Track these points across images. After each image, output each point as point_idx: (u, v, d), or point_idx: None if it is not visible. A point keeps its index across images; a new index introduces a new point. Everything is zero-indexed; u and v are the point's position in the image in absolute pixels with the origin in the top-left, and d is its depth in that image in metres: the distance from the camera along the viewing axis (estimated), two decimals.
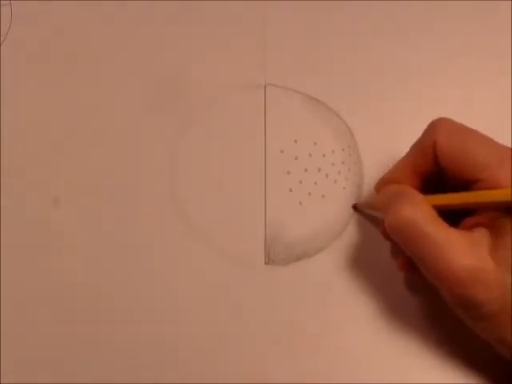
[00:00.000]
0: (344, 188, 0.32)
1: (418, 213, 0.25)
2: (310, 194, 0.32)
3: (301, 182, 0.32)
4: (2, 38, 0.35)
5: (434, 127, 0.27)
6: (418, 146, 0.28)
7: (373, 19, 0.35)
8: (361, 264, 0.31)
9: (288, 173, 0.33)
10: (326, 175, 0.33)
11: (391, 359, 0.30)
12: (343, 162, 0.33)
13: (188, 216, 0.32)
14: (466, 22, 0.35)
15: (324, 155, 0.33)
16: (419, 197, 0.26)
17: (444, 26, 0.35)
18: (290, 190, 0.32)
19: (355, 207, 0.32)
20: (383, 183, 0.29)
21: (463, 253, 0.24)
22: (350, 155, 0.33)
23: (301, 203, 0.32)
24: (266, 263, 0.31)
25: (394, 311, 0.30)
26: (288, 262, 0.31)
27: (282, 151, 0.33)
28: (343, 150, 0.33)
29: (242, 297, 0.31)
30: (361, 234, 0.32)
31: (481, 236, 0.25)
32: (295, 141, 0.33)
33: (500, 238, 0.25)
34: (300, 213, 0.32)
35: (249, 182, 0.32)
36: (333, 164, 0.33)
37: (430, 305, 0.30)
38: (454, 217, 0.26)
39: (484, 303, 0.24)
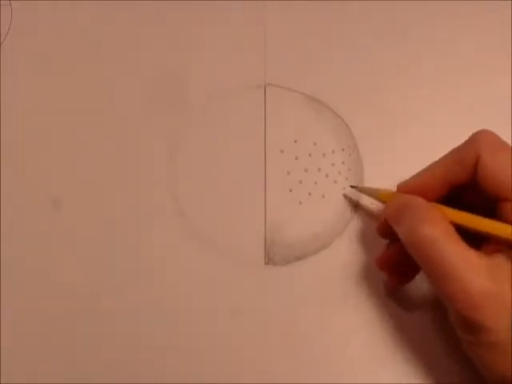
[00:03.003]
0: (344, 188, 0.32)
1: (438, 231, 0.24)
2: (309, 194, 0.32)
3: (301, 182, 0.32)
4: (2, 38, 0.35)
5: (478, 140, 0.26)
6: (457, 156, 0.27)
7: (373, 19, 0.35)
8: (361, 264, 0.31)
9: (288, 173, 0.33)
10: (326, 175, 0.33)
11: (391, 359, 0.30)
12: (343, 162, 0.33)
13: (188, 216, 0.32)
14: (466, 22, 0.35)
15: (324, 155, 0.33)
16: (438, 214, 0.26)
17: (445, 26, 0.35)
18: (290, 190, 0.32)
19: (353, 187, 0.32)
20: (407, 187, 0.28)
21: (481, 276, 0.23)
22: (349, 155, 0.33)
23: (301, 203, 0.32)
24: (266, 263, 0.31)
25: (394, 311, 0.30)
26: (288, 261, 0.31)
27: (282, 151, 0.33)
28: (343, 150, 0.33)
29: (241, 297, 0.31)
30: (361, 233, 0.32)
31: (501, 262, 0.24)
32: (295, 141, 0.33)
33: None
34: (300, 213, 0.32)
35: (249, 182, 0.32)
36: (333, 164, 0.33)
37: (430, 304, 0.30)
38: (475, 235, 0.26)
39: (492, 330, 0.23)
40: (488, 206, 0.26)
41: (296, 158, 0.33)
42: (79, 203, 0.32)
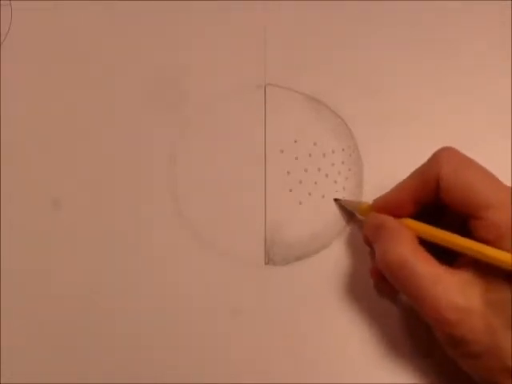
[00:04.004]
0: (344, 188, 0.32)
1: (407, 252, 0.25)
2: (310, 194, 0.32)
3: (301, 182, 0.32)
4: (2, 38, 0.35)
5: (438, 158, 0.26)
6: (419, 176, 0.27)
7: (373, 19, 0.35)
8: (361, 264, 0.31)
9: (288, 173, 0.33)
10: (326, 175, 0.33)
11: (392, 359, 0.30)
12: (343, 162, 0.33)
13: (188, 216, 0.32)
14: (466, 22, 0.35)
15: (324, 155, 0.33)
16: (408, 235, 0.26)
17: (445, 26, 0.35)
18: (290, 190, 0.32)
19: (336, 200, 0.32)
20: (379, 205, 0.29)
21: (452, 292, 0.24)
22: (350, 155, 0.33)
23: (301, 203, 0.32)
24: (265, 263, 0.31)
25: (395, 311, 0.30)
26: (288, 261, 0.31)
27: (282, 151, 0.33)
28: (343, 150, 0.33)
29: (241, 297, 0.31)
30: (361, 234, 0.32)
31: (473, 276, 0.25)
32: (295, 141, 0.33)
33: (492, 280, 0.24)
34: (300, 213, 0.32)
35: (249, 182, 0.32)
36: (333, 164, 0.33)
37: None
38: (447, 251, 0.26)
39: (470, 343, 0.24)
40: (461, 221, 0.26)
41: (296, 158, 0.33)
42: (79, 203, 0.32)
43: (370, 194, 0.32)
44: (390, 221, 0.27)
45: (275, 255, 0.31)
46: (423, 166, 0.27)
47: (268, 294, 0.31)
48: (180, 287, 0.31)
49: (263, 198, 0.32)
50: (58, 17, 0.35)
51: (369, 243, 0.29)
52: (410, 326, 0.30)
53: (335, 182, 0.32)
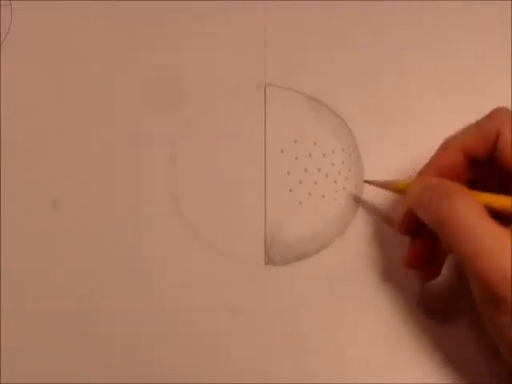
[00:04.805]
0: (344, 188, 0.32)
1: (470, 208, 0.24)
2: (310, 194, 0.32)
3: (301, 182, 0.32)
4: (2, 38, 0.35)
5: (498, 116, 0.26)
6: (476, 132, 0.27)
7: (373, 19, 0.35)
8: (361, 264, 0.31)
9: (288, 173, 0.33)
10: (326, 175, 0.33)
11: (392, 359, 0.30)
12: (343, 162, 0.33)
13: (188, 216, 0.32)
14: (466, 22, 0.35)
15: (324, 155, 0.33)
16: (468, 190, 0.25)
17: (445, 26, 0.35)
18: (290, 190, 0.32)
19: (367, 182, 0.31)
20: (430, 168, 0.28)
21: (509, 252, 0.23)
22: (350, 155, 0.33)
23: (301, 203, 0.32)
24: (265, 263, 0.31)
25: (395, 310, 0.30)
26: (288, 261, 0.31)
27: (282, 151, 0.33)
28: (343, 150, 0.33)
29: (241, 297, 0.31)
30: (361, 234, 0.32)
31: None
32: (295, 141, 0.33)
33: None
34: (300, 213, 0.32)
35: (249, 182, 0.32)
36: (333, 164, 0.33)
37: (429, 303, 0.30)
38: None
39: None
40: (504, 185, 0.26)
41: (296, 158, 0.33)
42: (79, 203, 0.32)
43: (370, 194, 0.32)
44: (443, 179, 0.26)
45: (275, 255, 0.31)
46: (479, 122, 0.27)
47: (268, 294, 0.31)
48: (180, 287, 0.31)
49: (263, 198, 0.32)
50: (58, 17, 0.35)
51: (406, 225, 0.28)
52: (410, 324, 0.30)
53: (335, 181, 0.32)
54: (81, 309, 0.30)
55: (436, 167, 0.28)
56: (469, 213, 0.24)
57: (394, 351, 0.30)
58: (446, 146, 0.28)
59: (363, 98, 0.34)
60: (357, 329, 0.30)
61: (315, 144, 0.33)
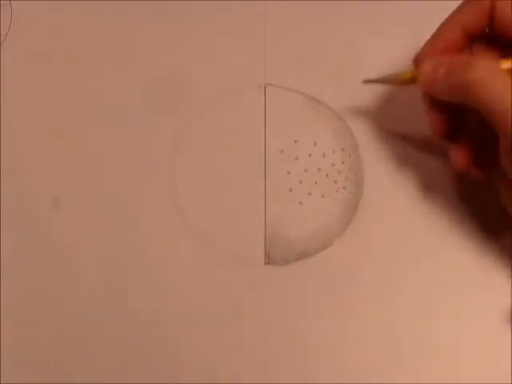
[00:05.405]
0: (344, 188, 0.32)
1: (493, 67, 0.25)
2: (309, 193, 0.32)
3: (301, 182, 0.32)
4: (2, 38, 0.35)
5: None
6: (471, 6, 0.27)
7: (373, 19, 0.35)
8: (361, 264, 0.31)
9: (288, 173, 0.33)
10: (326, 175, 0.33)
11: (392, 359, 0.30)
12: (343, 162, 0.33)
13: (188, 216, 0.32)
14: None
15: (324, 155, 0.33)
16: (484, 57, 0.26)
17: None
18: (290, 190, 0.32)
19: (368, 81, 0.31)
20: (428, 51, 0.28)
21: None
22: (349, 155, 0.33)
23: (301, 203, 0.32)
24: (265, 263, 0.31)
25: (396, 310, 0.30)
26: (288, 261, 0.31)
27: (282, 151, 0.33)
28: (343, 150, 0.33)
29: (241, 297, 0.31)
30: (361, 234, 0.32)
31: None
32: (295, 141, 0.33)
33: None
34: (300, 213, 0.32)
35: (249, 182, 0.32)
36: (333, 164, 0.33)
37: (431, 304, 0.30)
38: None
39: None
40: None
41: (296, 158, 0.33)
42: (79, 203, 0.32)
43: (370, 194, 0.32)
44: (458, 55, 0.27)
45: (275, 255, 0.31)
46: None
47: (268, 294, 0.31)
48: (180, 287, 0.31)
49: (263, 198, 0.32)
50: (58, 17, 0.35)
51: (429, 94, 0.28)
52: (413, 325, 0.30)
53: (335, 181, 0.32)
54: (81, 309, 0.30)
55: (435, 50, 0.28)
56: (493, 73, 0.24)
57: (394, 351, 0.30)
58: (442, 27, 0.28)
59: (363, 98, 0.34)
60: (357, 329, 0.30)
61: (315, 144, 0.33)
